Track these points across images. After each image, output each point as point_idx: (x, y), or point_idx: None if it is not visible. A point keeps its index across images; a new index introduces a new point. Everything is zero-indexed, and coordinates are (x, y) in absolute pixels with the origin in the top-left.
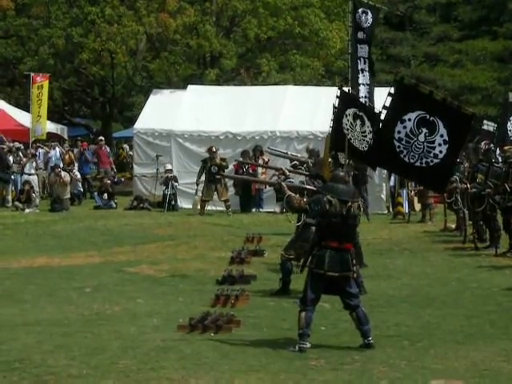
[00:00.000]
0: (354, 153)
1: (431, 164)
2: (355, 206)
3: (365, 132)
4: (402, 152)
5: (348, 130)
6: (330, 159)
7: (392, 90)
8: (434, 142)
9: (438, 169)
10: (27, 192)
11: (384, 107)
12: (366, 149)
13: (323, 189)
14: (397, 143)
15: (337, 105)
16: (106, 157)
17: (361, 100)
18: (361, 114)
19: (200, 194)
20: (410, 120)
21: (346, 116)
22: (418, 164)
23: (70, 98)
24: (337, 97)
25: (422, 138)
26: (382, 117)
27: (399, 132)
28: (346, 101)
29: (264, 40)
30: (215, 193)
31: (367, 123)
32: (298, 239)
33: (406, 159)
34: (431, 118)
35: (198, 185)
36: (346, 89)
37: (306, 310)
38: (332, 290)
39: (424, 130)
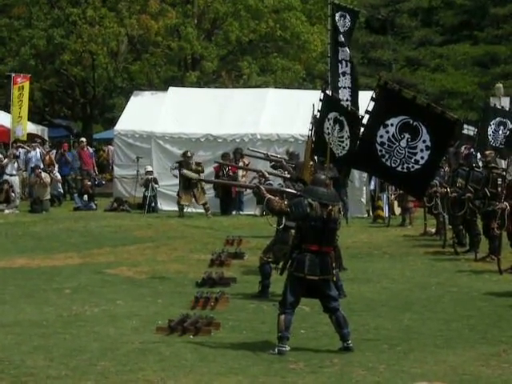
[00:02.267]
0: (332, 157)
1: (412, 170)
2: (336, 210)
3: (342, 137)
4: (383, 156)
5: (329, 134)
6: (311, 162)
7: (374, 95)
8: (415, 148)
9: (419, 175)
10: (6, 191)
11: (367, 112)
12: (340, 155)
13: (304, 192)
14: (379, 147)
15: (320, 108)
16: (89, 158)
17: (343, 103)
18: (341, 118)
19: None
20: (392, 125)
21: (328, 120)
22: (399, 169)
23: (51, 99)
24: (320, 100)
25: (403, 143)
26: (365, 121)
27: (381, 136)
28: (329, 104)
29: (245, 43)
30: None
31: (346, 128)
32: (276, 242)
33: (388, 163)
34: (414, 123)
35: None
36: (328, 92)
37: (285, 313)
38: (312, 293)
39: (406, 136)
